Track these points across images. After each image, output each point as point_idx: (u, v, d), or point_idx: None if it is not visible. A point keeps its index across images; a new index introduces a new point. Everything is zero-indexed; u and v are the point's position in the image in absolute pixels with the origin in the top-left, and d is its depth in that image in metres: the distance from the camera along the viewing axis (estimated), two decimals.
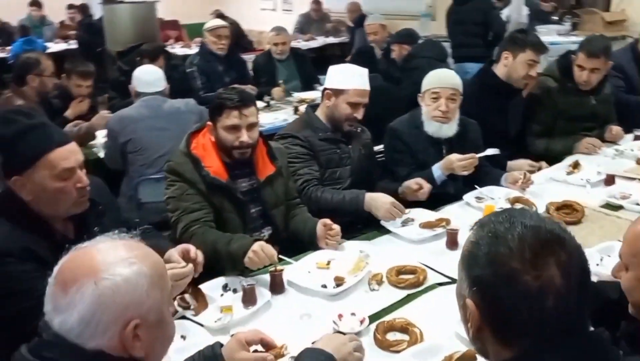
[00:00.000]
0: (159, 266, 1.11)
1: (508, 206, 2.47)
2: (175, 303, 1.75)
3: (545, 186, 2.72)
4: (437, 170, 2.64)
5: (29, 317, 1.17)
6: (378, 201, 2.31)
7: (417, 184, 2.47)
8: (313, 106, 2.69)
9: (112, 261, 1.03)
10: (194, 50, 8.23)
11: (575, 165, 2.85)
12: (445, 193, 2.65)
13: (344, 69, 2.58)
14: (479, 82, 3.25)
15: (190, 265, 1.69)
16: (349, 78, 2.52)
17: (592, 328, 1.01)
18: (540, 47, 3.09)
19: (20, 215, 1.64)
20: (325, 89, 2.59)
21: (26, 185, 1.62)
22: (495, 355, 0.96)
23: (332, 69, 2.59)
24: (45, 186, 1.62)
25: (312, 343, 1.48)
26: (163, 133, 3.09)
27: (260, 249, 1.88)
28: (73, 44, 8.63)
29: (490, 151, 2.66)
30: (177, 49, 9.03)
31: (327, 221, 2.17)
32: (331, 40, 8.25)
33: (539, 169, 2.97)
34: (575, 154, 3.11)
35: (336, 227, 2.17)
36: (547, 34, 5.49)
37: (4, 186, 1.70)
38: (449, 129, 2.67)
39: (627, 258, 1.24)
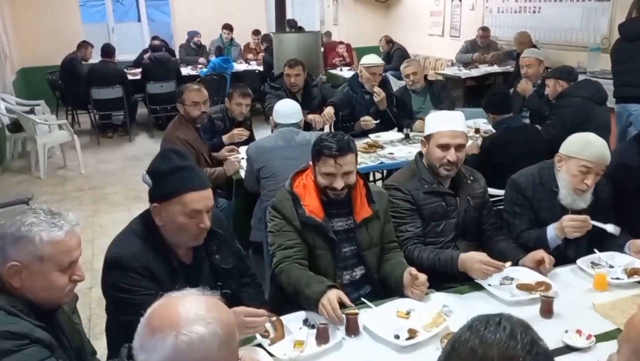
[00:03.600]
0: (231, 328, 1.24)
1: (624, 277, 2.26)
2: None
3: None
4: (552, 230, 2.47)
5: (133, 328, 1.33)
6: (469, 261, 2.24)
7: (540, 258, 2.32)
8: (422, 154, 2.69)
9: (193, 319, 1.17)
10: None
11: None
12: (563, 257, 2.47)
13: (434, 115, 2.62)
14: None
15: (265, 318, 1.87)
16: (437, 122, 2.55)
17: None
18: None
19: (150, 236, 1.96)
20: (422, 138, 2.64)
21: (161, 213, 1.95)
22: None
23: (427, 118, 2.66)
24: (174, 219, 1.92)
25: None
26: (292, 162, 3.32)
27: (328, 303, 1.98)
28: (253, 65, 9.55)
29: (610, 228, 2.42)
30: (345, 72, 9.51)
31: (414, 270, 2.18)
32: (495, 69, 7.98)
33: None
34: None
35: (422, 277, 2.17)
36: None
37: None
38: (583, 202, 2.50)
39: (620, 344, 1.23)
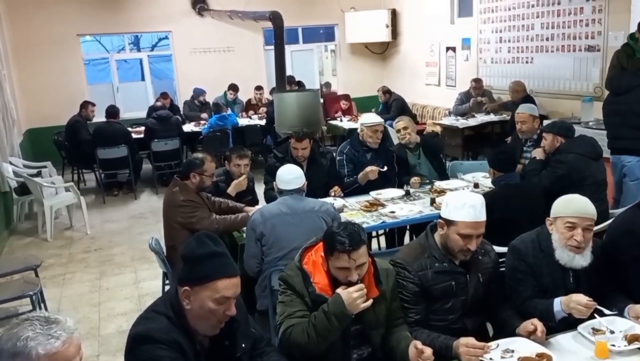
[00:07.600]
0: None
1: (624, 344, 2.29)
2: None
3: None
4: (558, 304, 2.47)
5: None
6: (457, 347, 2.25)
7: (532, 326, 2.34)
8: (434, 227, 2.62)
9: None
10: (358, 124, 8.79)
11: None
12: (565, 319, 2.48)
13: (455, 199, 2.51)
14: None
15: None
16: (459, 209, 2.45)
17: None
18: None
19: (176, 317, 1.98)
20: (439, 216, 2.57)
21: (190, 296, 1.97)
22: None
23: (445, 198, 2.59)
24: (203, 303, 1.95)
25: None
26: (295, 229, 3.42)
27: (347, 288, 2.22)
28: (254, 120, 9.74)
29: (608, 313, 2.45)
30: (345, 122, 9.68)
31: (419, 344, 2.21)
32: (491, 118, 8.14)
33: None
34: None
35: (428, 350, 2.18)
36: None
37: (174, 288, 2.06)
38: (583, 260, 2.53)
39: None
